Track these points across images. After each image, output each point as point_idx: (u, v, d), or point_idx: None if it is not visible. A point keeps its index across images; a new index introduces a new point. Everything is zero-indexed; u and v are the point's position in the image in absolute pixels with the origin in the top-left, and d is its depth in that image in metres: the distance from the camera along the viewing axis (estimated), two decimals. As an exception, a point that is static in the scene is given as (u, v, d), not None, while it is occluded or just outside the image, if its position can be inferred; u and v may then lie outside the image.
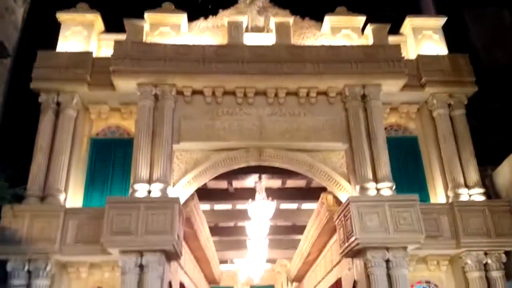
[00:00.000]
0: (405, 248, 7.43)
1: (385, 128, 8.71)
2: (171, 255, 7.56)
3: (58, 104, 8.33)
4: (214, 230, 12.75)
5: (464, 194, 8.19)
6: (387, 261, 7.38)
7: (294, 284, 17.52)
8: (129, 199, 7.51)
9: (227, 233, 14.52)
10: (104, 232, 7.09)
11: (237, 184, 10.98)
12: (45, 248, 7.22)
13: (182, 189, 8.11)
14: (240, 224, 13.56)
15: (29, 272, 7.20)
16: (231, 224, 14.13)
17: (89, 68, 8.46)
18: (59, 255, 7.32)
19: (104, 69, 8.31)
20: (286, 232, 14.40)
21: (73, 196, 8.10)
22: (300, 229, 13.15)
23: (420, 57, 9.07)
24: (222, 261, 16.40)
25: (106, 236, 7.06)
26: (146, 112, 8.19)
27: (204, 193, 9.92)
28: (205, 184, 10.15)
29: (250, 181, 10.52)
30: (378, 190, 7.92)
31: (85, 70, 8.40)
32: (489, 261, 7.75)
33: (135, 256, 7.09)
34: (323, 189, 9.92)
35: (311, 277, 13.83)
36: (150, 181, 7.76)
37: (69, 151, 8.19)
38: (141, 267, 7.12)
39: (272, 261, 19.07)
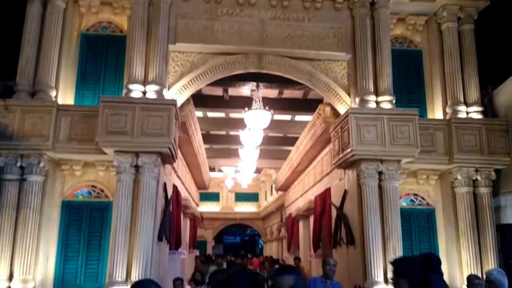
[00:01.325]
0: (398, 161, 7.52)
1: (390, 40, 8.37)
2: (166, 158, 7.53)
3: (45, -7, 7.71)
4: (206, 138, 12.73)
5: (462, 112, 8.17)
6: (380, 173, 7.49)
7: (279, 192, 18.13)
8: (124, 99, 7.26)
9: (218, 141, 14.57)
10: (99, 132, 6.94)
11: (232, 92, 10.75)
12: (37, 144, 7.08)
13: (178, 92, 7.88)
14: (232, 133, 13.56)
15: (21, 168, 7.13)
16: (223, 132, 14.12)
17: (77, -46, 7.73)
18: (52, 152, 7.21)
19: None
20: (277, 143, 14.51)
21: (64, 94, 7.80)
22: (291, 141, 13.27)
23: (433, -35, 8.49)
24: (211, 169, 16.67)
25: (101, 135, 6.92)
26: (140, 8, 7.64)
27: (198, 99, 9.70)
28: (199, 90, 9.91)
29: (246, 89, 10.30)
30: (377, 103, 7.82)
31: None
32: (479, 177, 7.93)
33: (131, 157, 7.03)
34: (320, 102, 9.83)
35: (297, 186, 14.22)
36: (145, 82, 7.48)
37: (59, 46, 7.74)
38: (136, 167, 7.10)
39: (257, 170, 19.48)
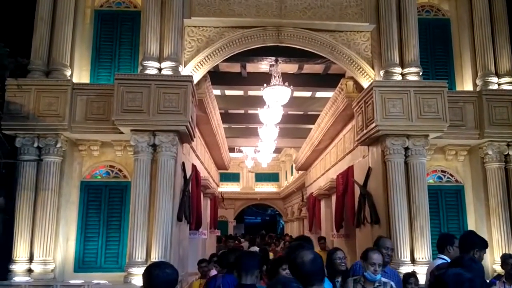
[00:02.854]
0: (426, 137, 7.17)
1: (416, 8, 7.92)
2: (184, 137, 7.34)
3: (57, -30, 7.49)
4: (224, 117, 12.49)
5: (494, 83, 7.73)
6: (406, 148, 7.16)
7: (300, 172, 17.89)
8: (139, 76, 7.05)
9: (237, 120, 14.33)
10: (115, 110, 6.78)
11: (250, 68, 10.44)
12: (54, 125, 6.96)
13: (194, 69, 7.63)
14: (250, 111, 13.29)
15: (39, 148, 7.04)
16: (242, 111, 13.85)
17: None
18: (68, 132, 7.09)
19: None
20: (297, 121, 14.19)
21: (79, 73, 7.64)
22: (311, 118, 12.95)
23: None
24: (230, 149, 16.48)
25: (117, 114, 6.76)
26: (154, -19, 7.38)
27: (215, 77, 9.44)
28: (216, 67, 9.70)
29: (264, 65, 9.98)
30: (403, 75, 7.44)
31: None
32: (511, 152, 7.54)
33: (148, 136, 6.87)
34: (342, 76, 9.46)
35: (318, 165, 13.94)
36: (160, 59, 7.26)
37: (72, 24, 7.55)
38: (153, 146, 6.94)
39: (277, 150, 19.22)
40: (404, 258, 6.79)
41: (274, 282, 2.58)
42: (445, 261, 4.21)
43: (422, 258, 6.78)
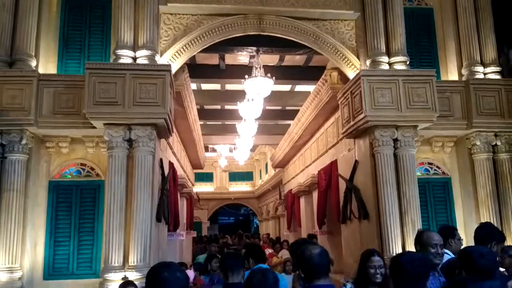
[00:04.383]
0: (415, 127, 6.94)
1: (399, -2, 7.70)
2: (162, 131, 6.85)
3: (19, -48, 6.86)
4: (199, 113, 11.98)
5: (480, 73, 7.60)
6: (395, 140, 6.92)
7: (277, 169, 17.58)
8: (112, 65, 6.52)
9: (213, 116, 13.86)
10: (86, 103, 6.24)
11: (229, 60, 10.00)
12: (18, 119, 6.35)
13: (171, 59, 7.16)
14: (228, 106, 12.85)
15: (2, 145, 6.42)
16: (218, 107, 13.39)
17: None
18: (35, 128, 6.49)
19: None
20: (275, 116, 13.82)
21: (45, 63, 7.03)
22: (290, 114, 12.65)
23: None
24: (204, 148, 15.97)
25: (89, 106, 6.22)
26: (126, -36, 6.86)
27: (192, 69, 8.94)
28: (193, 59, 9.26)
29: (244, 57, 9.57)
30: (390, 65, 7.20)
31: None
32: (498, 142, 7.41)
33: (123, 130, 6.36)
34: (323, 69, 9.15)
35: (297, 161, 13.65)
36: (135, 47, 6.76)
37: (38, 11, 6.94)
38: (129, 142, 6.43)
39: (252, 148, 18.85)
40: (395, 253, 6.50)
41: (255, 271, 3.06)
42: (450, 256, 3.94)
43: (415, 253, 6.53)
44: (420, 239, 3.81)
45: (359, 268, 3.72)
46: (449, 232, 4.20)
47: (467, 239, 7.30)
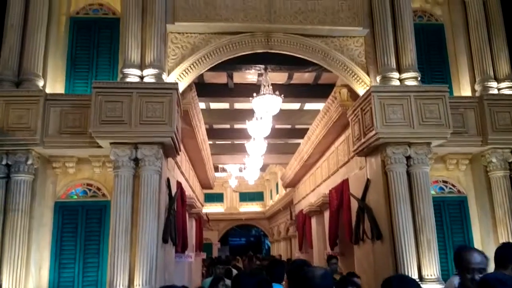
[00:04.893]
0: (428, 144, 6.75)
1: (410, 12, 7.60)
2: (169, 150, 6.74)
3: (29, -26, 6.94)
4: (208, 133, 11.91)
5: (493, 88, 7.43)
6: (408, 157, 6.72)
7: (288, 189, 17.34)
8: (118, 84, 6.48)
9: (222, 135, 13.77)
10: (92, 122, 6.17)
11: (237, 78, 9.94)
12: (24, 139, 6.30)
13: (179, 78, 7.10)
14: (237, 126, 12.76)
15: (8, 166, 6.36)
16: (227, 126, 13.31)
17: None
18: (41, 148, 6.43)
19: None
20: (284, 135, 13.69)
21: (53, 83, 7.02)
22: (300, 132, 12.51)
23: None
24: (214, 168, 15.85)
25: (95, 125, 6.15)
26: (134, -16, 6.88)
27: (200, 88, 8.91)
28: (201, 78, 9.22)
29: (252, 75, 9.50)
30: (401, 81, 7.06)
31: None
32: (515, 159, 7.19)
33: (129, 149, 6.26)
34: (332, 86, 9.04)
35: (308, 181, 13.44)
36: (142, 66, 6.71)
37: (46, 32, 6.98)
38: (136, 161, 6.33)
39: (262, 168, 18.69)
40: (411, 274, 6.24)
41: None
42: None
43: (431, 275, 6.27)
44: (457, 260, 3.20)
45: None
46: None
47: (485, 260, 7.00)
